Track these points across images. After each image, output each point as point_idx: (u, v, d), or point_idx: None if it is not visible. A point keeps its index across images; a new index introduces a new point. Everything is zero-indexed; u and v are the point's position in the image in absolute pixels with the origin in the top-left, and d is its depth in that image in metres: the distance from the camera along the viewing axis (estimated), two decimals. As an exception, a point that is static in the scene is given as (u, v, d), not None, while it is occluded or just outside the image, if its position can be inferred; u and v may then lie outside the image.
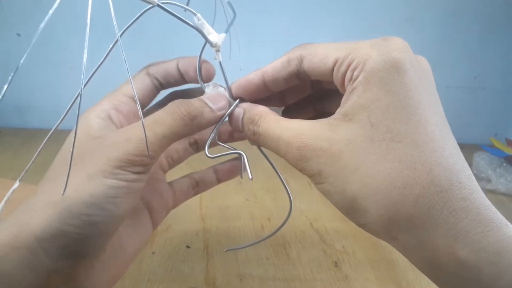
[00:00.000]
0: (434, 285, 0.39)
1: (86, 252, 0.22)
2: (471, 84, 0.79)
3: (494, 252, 0.18)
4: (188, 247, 0.42)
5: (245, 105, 0.26)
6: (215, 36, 0.24)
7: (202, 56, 0.27)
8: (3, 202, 0.25)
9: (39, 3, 0.63)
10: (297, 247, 0.43)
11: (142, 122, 0.20)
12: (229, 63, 0.29)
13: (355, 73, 0.21)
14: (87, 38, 0.15)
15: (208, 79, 0.27)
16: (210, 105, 0.25)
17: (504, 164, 0.63)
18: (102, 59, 0.24)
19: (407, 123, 0.20)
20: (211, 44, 0.25)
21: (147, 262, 0.39)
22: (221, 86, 0.27)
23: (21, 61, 0.16)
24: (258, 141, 0.25)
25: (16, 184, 0.25)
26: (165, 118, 0.23)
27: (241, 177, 0.31)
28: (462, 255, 0.19)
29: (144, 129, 0.21)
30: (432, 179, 0.19)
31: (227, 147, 0.28)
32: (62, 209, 0.20)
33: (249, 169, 0.25)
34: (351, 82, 0.21)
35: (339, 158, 0.20)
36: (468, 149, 0.21)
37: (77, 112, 0.19)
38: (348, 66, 0.21)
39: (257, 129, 0.24)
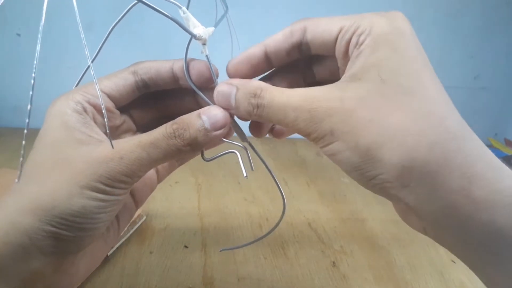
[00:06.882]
0: (432, 284, 0.39)
1: (77, 249, 0.23)
2: (471, 84, 0.79)
3: (509, 195, 0.19)
4: (186, 246, 0.42)
5: (235, 81, 0.24)
6: (200, 29, 0.24)
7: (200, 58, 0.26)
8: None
9: (39, 3, 0.63)
10: (295, 247, 0.43)
11: (107, 126, 0.21)
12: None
13: (362, 38, 0.21)
14: (41, 29, 0.16)
15: (198, 79, 0.26)
16: (207, 125, 0.23)
17: (503, 164, 0.62)
18: (79, 78, 0.24)
19: (417, 79, 0.20)
20: (194, 37, 0.24)
21: (144, 262, 0.39)
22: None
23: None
24: (261, 114, 0.23)
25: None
26: (161, 142, 0.23)
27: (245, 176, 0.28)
28: (477, 196, 0.19)
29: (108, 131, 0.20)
30: (446, 127, 0.19)
31: (231, 142, 0.26)
32: (54, 215, 0.21)
33: (243, 166, 0.24)
34: (357, 47, 0.22)
35: (352, 114, 0.20)
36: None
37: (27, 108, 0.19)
38: (354, 32, 0.22)
39: (262, 101, 0.23)
